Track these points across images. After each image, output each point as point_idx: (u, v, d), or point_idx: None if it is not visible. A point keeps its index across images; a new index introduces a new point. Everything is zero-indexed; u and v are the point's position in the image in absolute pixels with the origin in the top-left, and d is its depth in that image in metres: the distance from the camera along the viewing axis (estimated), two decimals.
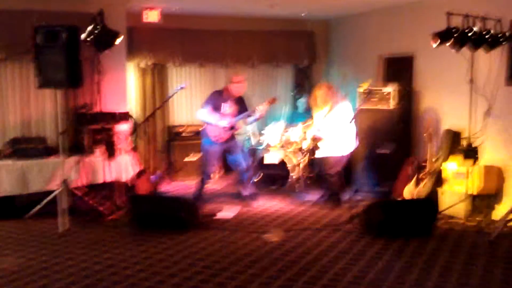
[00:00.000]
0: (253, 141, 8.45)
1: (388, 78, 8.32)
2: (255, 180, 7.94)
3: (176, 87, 7.41)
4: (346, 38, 9.27)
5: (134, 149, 7.60)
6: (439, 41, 5.53)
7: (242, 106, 6.75)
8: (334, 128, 6.51)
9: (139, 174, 6.87)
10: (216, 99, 6.71)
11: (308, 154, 7.91)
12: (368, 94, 6.74)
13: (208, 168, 6.85)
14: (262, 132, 8.22)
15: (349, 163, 7.07)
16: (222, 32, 8.99)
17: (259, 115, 6.63)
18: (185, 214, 5.62)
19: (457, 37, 5.35)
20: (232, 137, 6.79)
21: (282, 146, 7.96)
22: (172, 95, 7.53)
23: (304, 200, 7.15)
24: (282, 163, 7.75)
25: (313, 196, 7.20)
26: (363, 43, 8.73)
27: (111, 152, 6.22)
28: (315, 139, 6.74)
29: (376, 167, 7.37)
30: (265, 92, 9.47)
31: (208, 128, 6.73)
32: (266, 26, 9.32)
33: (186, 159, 8.53)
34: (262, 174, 7.89)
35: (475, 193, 6.04)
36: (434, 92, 7.20)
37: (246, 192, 7.00)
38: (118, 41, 5.59)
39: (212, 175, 7.25)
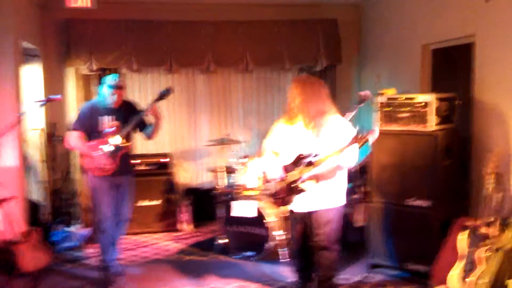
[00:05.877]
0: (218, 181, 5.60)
1: (439, 79, 5.27)
2: (221, 242, 5.18)
3: (41, 99, 4.80)
4: (384, 27, 6.25)
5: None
6: None
7: (131, 114, 4.39)
8: (337, 157, 3.54)
9: (26, 236, 4.41)
10: (89, 113, 4.40)
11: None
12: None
13: (102, 215, 4.36)
14: (234, 166, 5.41)
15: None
16: (199, 23, 6.41)
17: (151, 115, 4.38)
18: None
19: None
20: (125, 166, 4.42)
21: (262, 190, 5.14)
22: (24, 115, 4.78)
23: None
24: (261, 217, 4.94)
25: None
26: (403, 31, 5.72)
27: None
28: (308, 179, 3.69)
29: (405, 231, 4.36)
30: (262, 105, 6.88)
31: (86, 158, 4.36)
32: (265, 15, 6.59)
33: (141, 203, 5.96)
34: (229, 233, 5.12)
35: None
36: (509, 102, 4.09)
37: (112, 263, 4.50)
38: None
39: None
